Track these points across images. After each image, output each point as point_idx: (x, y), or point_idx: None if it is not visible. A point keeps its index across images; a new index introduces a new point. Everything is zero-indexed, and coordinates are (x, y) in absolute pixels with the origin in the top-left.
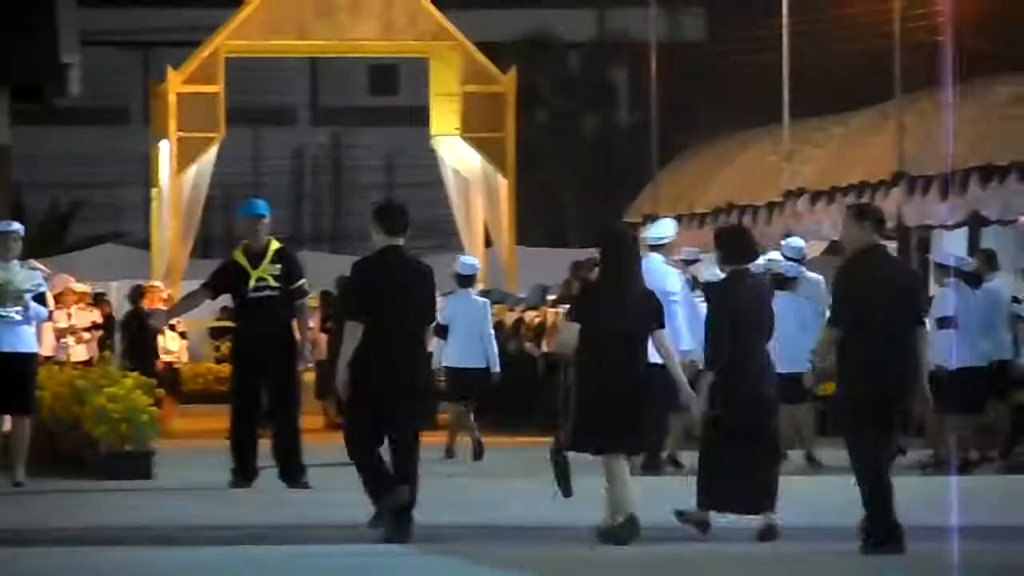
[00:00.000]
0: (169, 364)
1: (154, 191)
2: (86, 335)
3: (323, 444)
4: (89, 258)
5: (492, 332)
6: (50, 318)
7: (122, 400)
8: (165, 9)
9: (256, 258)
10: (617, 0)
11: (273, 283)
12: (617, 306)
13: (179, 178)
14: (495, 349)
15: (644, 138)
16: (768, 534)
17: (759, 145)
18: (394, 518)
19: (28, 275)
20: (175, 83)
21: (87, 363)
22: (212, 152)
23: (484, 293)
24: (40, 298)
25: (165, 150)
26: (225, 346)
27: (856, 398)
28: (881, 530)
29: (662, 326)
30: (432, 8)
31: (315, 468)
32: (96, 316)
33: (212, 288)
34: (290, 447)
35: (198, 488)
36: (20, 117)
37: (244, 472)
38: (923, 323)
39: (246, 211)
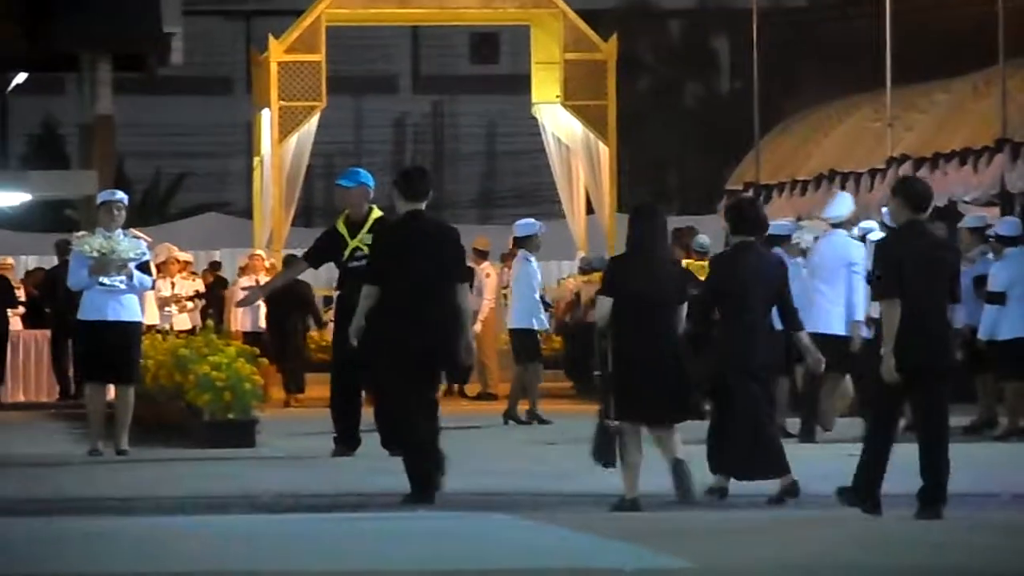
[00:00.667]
0: None
1: (256, 160)
2: (189, 304)
3: None
4: (192, 227)
5: (538, 293)
6: (153, 287)
7: (225, 369)
8: None
9: (355, 227)
10: None
11: (368, 252)
12: (647, 278)
13: (281, 147)
14: (541, 310)
15: (746, 105)
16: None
17: (861, 111)
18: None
19: (132, 244)
20: (277, 52)
21: (190, 332)
22: (314, 121)
23: (585, 260)
24: (144, 267)
25: (267, 119)
26: (329, 315)
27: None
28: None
29: (684, 301)
30: None
31: None
32: (199, 285)
33: (312, 258)
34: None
35: (300, 456)
36: (123, 87)
37: (346, 440)
38: (955, 299)
39: (346, 180)
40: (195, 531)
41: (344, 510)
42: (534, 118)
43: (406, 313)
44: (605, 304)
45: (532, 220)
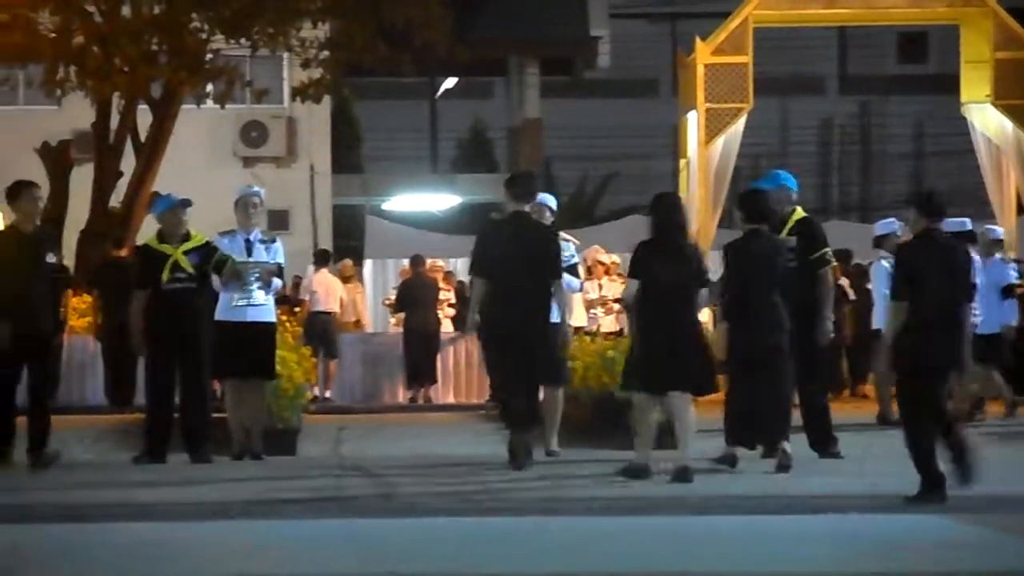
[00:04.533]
0: None
1: (682, 162)
2: (615, 306)
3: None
4: (618, 229)
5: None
6: (581, 289)
7: None
8: None
9: (775, 230)
10: None
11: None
12: (670, 262)
13: (707, 149)
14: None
15: None
16: (782, 467)
17: None
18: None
19: (560, 247)
20: (703, 54)
21: (617, 333)
22: (740, 123)
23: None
24: (571, 269)
25: (693, 121)
26: None
27: (911, 364)
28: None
29: (704, 285)
30: None
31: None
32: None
33: None
34: (814, 417)
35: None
36: (551, 90)
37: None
38: (968, 297)
39: (765, 183)
40: (611, 531)
41: (769, 512)
42: (963, 118)
43: (504, 305)
44: (632, 286)
45: (892, 220)
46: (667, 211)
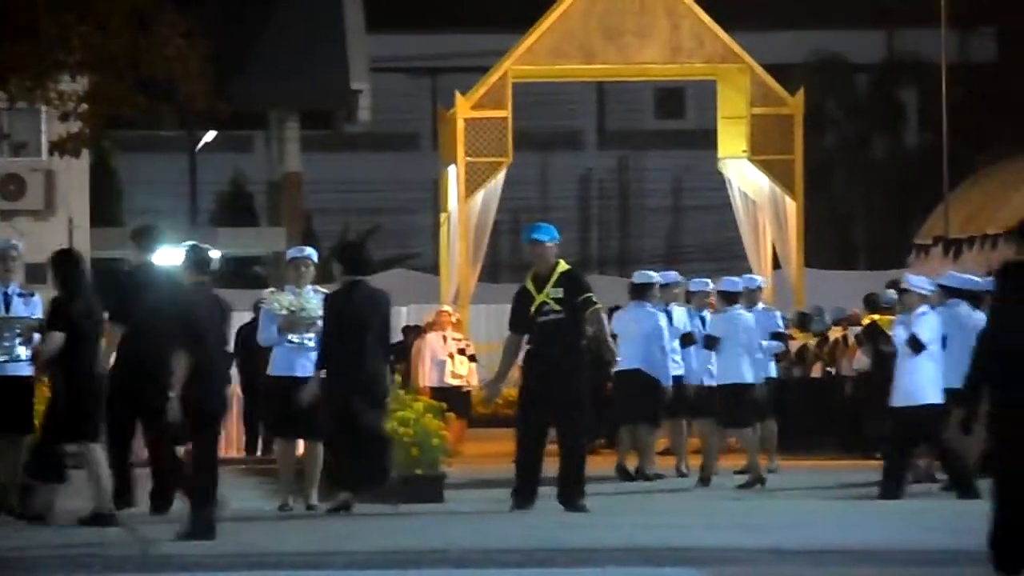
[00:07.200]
0: (458, 388)
1: (443, 216)
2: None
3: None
4: (380, 282)
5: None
6: None
7: (413, 424)
8: (453, 35)
9: (542, 282)
10: (906, 21)
11: (556, 307)
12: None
13: (467, 203)
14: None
15: (934, 160)
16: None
17: None
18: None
19: (321, 301)
20: (463, 109)
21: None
22: (500, 177)
23: (797, 315)
24: None
25: (453, 175)
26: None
27: None
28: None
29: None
30: (720, 31)
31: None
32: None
33: (517, 327)
34: (574, 470)
35: (489, 511)
36: (311, 144)
37: (524, 494)
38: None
39: (540, 235)
40: None
41: (532, 566)
42: (720, 173)
43: (135, 355)
44: (58, 338)
45: (649, 272)
46: (72, 267)
